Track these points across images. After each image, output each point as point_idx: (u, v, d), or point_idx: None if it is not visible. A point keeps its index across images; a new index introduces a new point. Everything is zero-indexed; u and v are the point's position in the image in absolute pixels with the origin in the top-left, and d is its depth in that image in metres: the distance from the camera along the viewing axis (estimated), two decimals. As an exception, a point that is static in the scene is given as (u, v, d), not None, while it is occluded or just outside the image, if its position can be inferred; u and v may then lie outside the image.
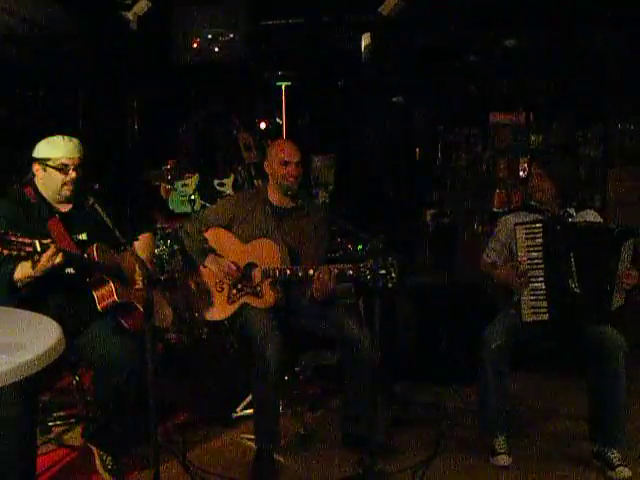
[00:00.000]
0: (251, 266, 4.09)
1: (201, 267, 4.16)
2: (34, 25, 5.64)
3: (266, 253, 4.06)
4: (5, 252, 3.04)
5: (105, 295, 3.56)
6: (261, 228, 4.14)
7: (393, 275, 3.67)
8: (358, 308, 5.21)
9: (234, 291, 4.10)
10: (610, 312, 3.82)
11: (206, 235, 4.18)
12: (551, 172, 3.97)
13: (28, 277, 3.33)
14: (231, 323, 4.17)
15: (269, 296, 4.03)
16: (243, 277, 4.09)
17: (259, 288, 4.04)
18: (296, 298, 4.15)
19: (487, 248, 4.19)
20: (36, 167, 3.62)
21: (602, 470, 3.78)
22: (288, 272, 3.97)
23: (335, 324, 4.02)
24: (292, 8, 6.80)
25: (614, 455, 3.76)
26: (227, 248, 4.14)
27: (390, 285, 3.67)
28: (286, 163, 4.11)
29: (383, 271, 3.65)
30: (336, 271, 3.90)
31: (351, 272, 3.84)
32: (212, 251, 4.13)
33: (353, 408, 4.05)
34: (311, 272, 3.93)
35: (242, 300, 4.08)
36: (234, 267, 4.07)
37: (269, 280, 4.02)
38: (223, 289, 4.12)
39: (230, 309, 4.10)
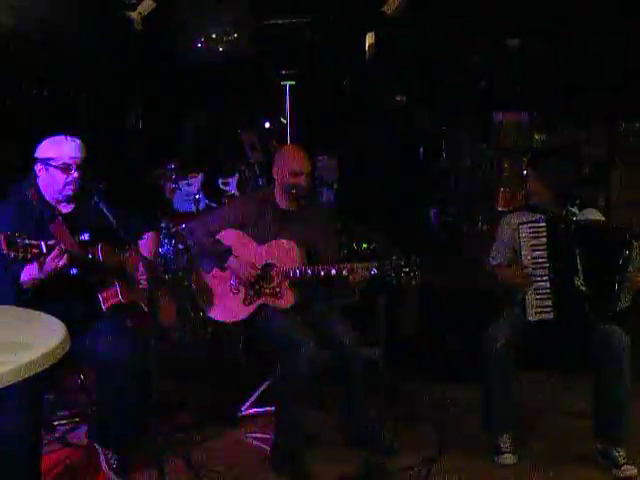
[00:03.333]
0: (269, 267, 4.08)
1: (213, 270, 4.17)
2: (38, 24, 5.65)
3: (284, 254, 4.05)
4: (12, 254, 3.04)
5: (110, 296, 3.57)
6: (270, 232, 4.13)
7: (417, 273, 3.67)
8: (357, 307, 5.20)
9: (251, 292, 4.08)
10: (616, 312, 3.81)
11: (219, 237, 4.16)
12: (544, 177, 3.98)
13: (34, 278, 3.33)
14: (246, 323, 4.15)
15: (288, 296, 4.02)
16: (261, 278, 4.08)
17: (278, 289, 4.04)
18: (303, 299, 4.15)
19: (492, 251, 4.17)
20: (38, 167, 3.61)
21: (607, 468, 3.78)
22: (309, 272, 3.96)
23: (324, 325, 4.03)
24: (296, 7, 6.81)
25: (619, 453, 3.76)
26: (243, 249, 4.12)
27: (413, 283, 3.67)
28: (296, 174, 4.09)
29: (407, 269, 3.64)
30: (369, 268, 3.88)
31: (375, 270, 3.83)
32: (230, 252, 4.10)
33: (349, 408, 4.07)
34: (333, 272, 3.92)
35: (260, 301, 4.07)
36: (253, 272, 4.06)
37: (288, 280, 4.02)
38: (239, 290, 4.11)
39: (247, 310, 4.09)
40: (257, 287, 4.08)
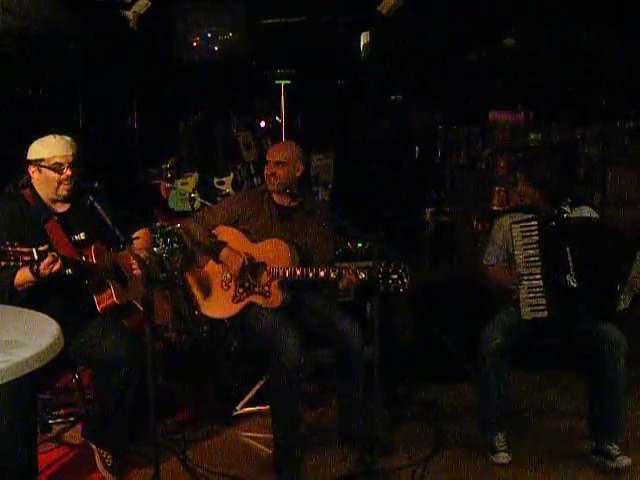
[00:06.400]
0: (260, 265, 4.08)
1: (206, 265, 4.17)
2: (33, 24, 5.64)
3: (276, 253, 4.05)
4: (3, 263, 3.04)
5: (104, 297, 3.58)
6: (267, 227, 4.14)
7: (405, 280, 3.68)
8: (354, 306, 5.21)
9: (240, 290, 4.09)
10: (614, 312, 3.82)
11: (214, 232, 4.17)
12: (532, 179, 4.02)
13: (28, 282, 3.33)
14: (233, 321, 4.17)
15: (276, 296, 4.02)
16: (251, 276, 4.09)
17: (267, 288, 4.04)
18: (297, 297, 4.15)
19: (486, 252, 4.18)
20: (32, 169, 3.61)
21: (601, 465, 3.79)
22: (298, 273, 3.97)
23: (329, 322, 4.04)
24: (292, 7, 6.80)
25: (613, 447, 3.77)
26: (237, 246, 4.13)
27: (401, 290, 3.68)
28: (266, 162, 4.17)
29: (395, 276, 3.65)
30: (357, 273, 3.90)
31: (363, 275, 3.84)
32: (225, 244, 4.11)
33: (346, 407, 4.08)
34: (322, 274, 3.93)
35: (248, 299, 4.07)
36: (239, 262, 4.05)
37: (277, 280, 4.02)
38: (229, 287, 4.11)
39: (235, 308, 4.09)
40: (247, 285, 4.08)
